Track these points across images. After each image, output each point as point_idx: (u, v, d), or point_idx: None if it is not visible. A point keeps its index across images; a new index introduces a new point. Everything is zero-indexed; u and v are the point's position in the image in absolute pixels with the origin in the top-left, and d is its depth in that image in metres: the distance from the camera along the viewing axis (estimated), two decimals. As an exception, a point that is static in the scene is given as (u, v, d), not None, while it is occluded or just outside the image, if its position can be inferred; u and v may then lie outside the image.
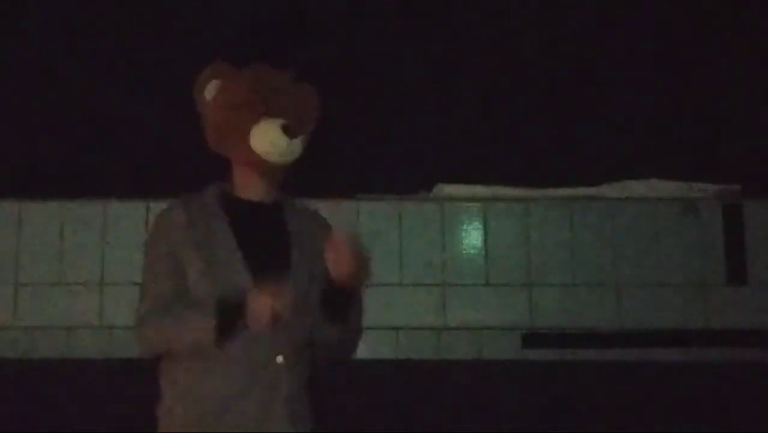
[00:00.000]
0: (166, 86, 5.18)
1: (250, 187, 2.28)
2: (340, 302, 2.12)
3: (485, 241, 5.02)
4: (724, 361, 4.79)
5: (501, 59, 5.46)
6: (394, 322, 4.84)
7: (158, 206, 5.00)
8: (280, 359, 2.07)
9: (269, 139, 2.17)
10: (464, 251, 5.03)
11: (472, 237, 5.03)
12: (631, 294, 5.04)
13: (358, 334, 2.30)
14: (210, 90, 2.29)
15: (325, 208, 2.65)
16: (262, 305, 1.96)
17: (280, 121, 2.16)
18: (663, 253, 5.08)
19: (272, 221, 2.24)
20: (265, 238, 2.18)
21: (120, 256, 5.00)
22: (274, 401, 2.04)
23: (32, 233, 5.01)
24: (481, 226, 5.03)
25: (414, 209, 5.05)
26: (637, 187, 5.28)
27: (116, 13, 5.36)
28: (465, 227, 5.04)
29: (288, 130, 2.16)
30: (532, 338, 4.91)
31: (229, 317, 1.99)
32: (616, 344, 4.95)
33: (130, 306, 5.50)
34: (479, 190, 5.21)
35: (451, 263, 5.02)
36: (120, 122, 5.22)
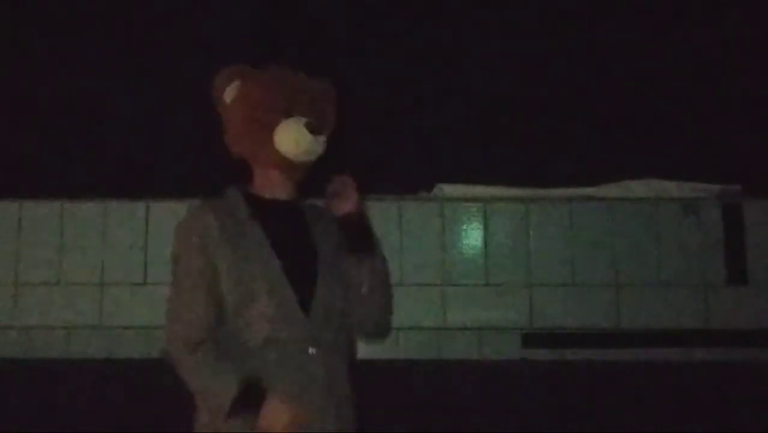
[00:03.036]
0: (166, 87, 5.18)
1: (272, 188, 2.30)
2: (360, 237, 2.15)
3: (485, 241, 5.02)
4: (724, 361, 4.79)
5: (501, 59, 5.45)
6: (394, 322, 4.84)
7: (158, 206, 5.02)
8: (312, 351, 2.08)
9: (294, 138, 2.18)
10: (464, 251, 5.03)
11: (472, 237, 5.03)
12: (631, 294, 5.04)
13: (387, 280, 2.33)
14: (230, 92, 2.29)
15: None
16: (278, 414, 1.95)
17: (303, 120, 2.18)
18: (663, 253, 5.08)
19: (296, 219, 2.27)
20: (291, 234, 2.21)
21: (120, 256, 5.00)
22: (309, 393, 2.05)
23: (32, 233, 5.01)
24: (481, 226, 5.03)
25: (414, 209, 5.05)
26: (637, 187, 5.28)
27: (116, 13, 5.36)
28: (465, 227, 5.04)
29: (312, 128, 2.17)
30: (532, 338, 4.91)
31: (247, 399, 1.98)
32: (616, 344, 4.95)
33: (130, 306, 5.51)
34: (479, 190, 5.21)
35: (451, 263, 5.02)
36: (120, 122, 5.22)
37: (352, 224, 2.13)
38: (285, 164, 2.21)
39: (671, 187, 5.31)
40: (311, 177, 2.55)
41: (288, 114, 2.19)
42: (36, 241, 5.00)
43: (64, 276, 4.97)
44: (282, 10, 5.36)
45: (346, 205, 2.11)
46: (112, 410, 4.23)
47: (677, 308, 5.04)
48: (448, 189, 5.23)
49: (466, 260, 5.03)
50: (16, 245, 5.00)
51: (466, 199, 5.12)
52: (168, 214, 5.31)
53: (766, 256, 5.06)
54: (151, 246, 4.94)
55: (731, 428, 4.19)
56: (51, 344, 4.89)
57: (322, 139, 2.23)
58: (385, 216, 5.00)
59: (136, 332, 4.91)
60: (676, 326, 5.00)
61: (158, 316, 5.26)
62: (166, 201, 4.98)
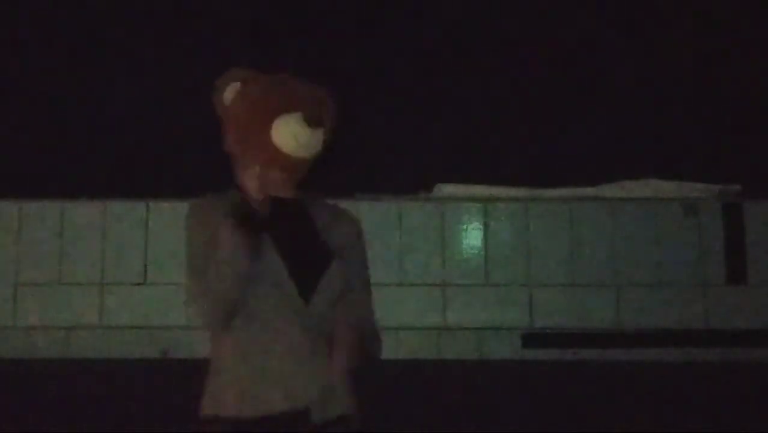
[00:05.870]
0: (165, 88, 5.18)
1: (273, 188, 2.30)
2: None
3: (485, 241, 5.02)
4: (724, 361, 4.79)
5: (501, 60, 5.46)
6: (394, 322, 4.84)
7: (158, 206, 5.02)
8: (307, 337, 2.09)
9: (291, 132, 2.18)
10: (464, 251, 5.03)
11: (472, 237, 5.03)
12: (631, 294, 5.04)
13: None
14: (228, 94, 2.30)
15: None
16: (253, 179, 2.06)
17: (300, 114, 2.18)
18: (663, 253, 5.08)
19: (298, 217, 2.27)
20: (294, 232, 2.21)
21: (119, 256, 5.00)
22: (300, 378, 2.05)
23: (32, 232, 5.01)
24: (481, 226, 5.03)
25: (414, 209, 5.05)
26: (637, 188, 5.29)
27: (116, 16, 5.37)
28: (465, 227, 5.04)
29: (309, 121, 2.18)
30: (532, 338, 4.91)
31: (245, 216, 2.06)
32: (616, 343, 4.95)
33: (130, 306, 5.51)
34: (479, 190, 5.21)
35: (451, 263, 5.02)
36: (121, 123, 5.23)
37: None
38: (285, 161, 2.21)
39: (671, 188, 5.32)
40: (312, 177, 2.54)
41: (285, 111, 2.20)
42: (36, 241, 5.01)
43: (64, 276, 4.98)
44: (283, 11, 5.36)
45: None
46: (112, 410, 4.23)
47: (677, 308, 5.04)
48: (448, 189, 5.24)
49: (466, 260, 5.03)
50: (16, 245, 5.00)
51: (466, 199, 5.12)
52: (168, 214, 5.32)
53: (766, 256, 5.06)
54: (151, 246, 4.94)
55: (731, 428, 4.19)
56: (51, 344, 4.89)
57: (320, 133, 2.23)
58: (385, 216, 5.01)
59: (136, 332, 4.91)
60: (676, 326, 5.01)
61: (158, 316, 5.29)
62: (166, 201, 4.98)
